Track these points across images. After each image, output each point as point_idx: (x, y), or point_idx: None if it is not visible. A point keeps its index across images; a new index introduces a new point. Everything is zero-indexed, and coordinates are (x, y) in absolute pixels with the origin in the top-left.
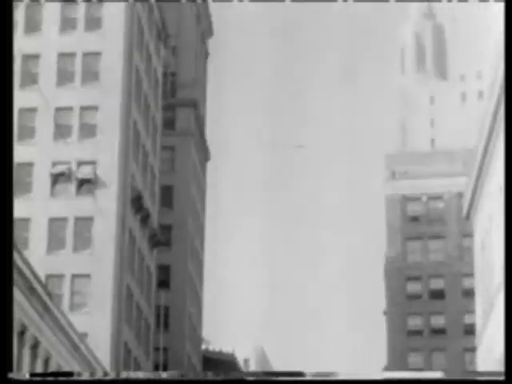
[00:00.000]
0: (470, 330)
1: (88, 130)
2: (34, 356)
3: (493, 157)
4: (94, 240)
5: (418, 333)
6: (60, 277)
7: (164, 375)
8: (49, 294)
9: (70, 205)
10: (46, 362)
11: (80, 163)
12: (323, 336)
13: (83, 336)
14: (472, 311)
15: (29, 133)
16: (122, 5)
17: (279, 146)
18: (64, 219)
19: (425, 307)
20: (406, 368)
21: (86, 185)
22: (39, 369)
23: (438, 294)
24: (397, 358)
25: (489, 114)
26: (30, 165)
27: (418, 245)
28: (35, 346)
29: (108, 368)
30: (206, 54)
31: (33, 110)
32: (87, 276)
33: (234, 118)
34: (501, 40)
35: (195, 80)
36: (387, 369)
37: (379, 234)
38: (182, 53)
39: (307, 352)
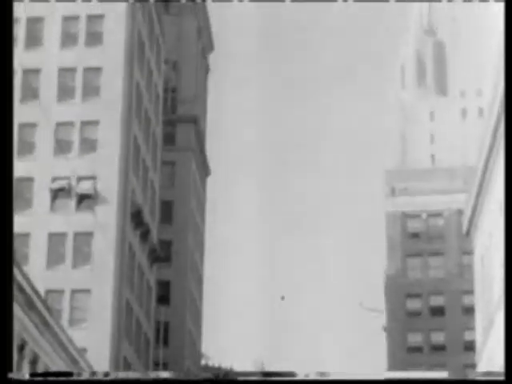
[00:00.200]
0: (470, 347)
1: (88, 145)
2: (33, 371)
3: (493, 174)
4: (93, 255)
5: (418, 349)
6: (60, 292)
7: (163, 375)
8: (48, 309)
9: (69, 220)
10: None
11: (80, 178)
12: (323, 352)
13: (82, 351)
14: (472, 328)
15: (29, 148)
16: (123, 20)
17: (279, 160)
18: (64, 234)
19: (425, 324)
20: None
21: (86, 200)
22: None
23: (438, 311)
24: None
25: (489, 131)
26: (30, 180)
27: (418, 261)
28: (34, 361)
29: None
30: (206, 70)
31: (33, 124)
32: (87, 291)
33: (234, 134)
34: (501, 57)
35: (196, 95)
36: None
37: (379, 251)
38: (182, 68)
39: (308, 367)
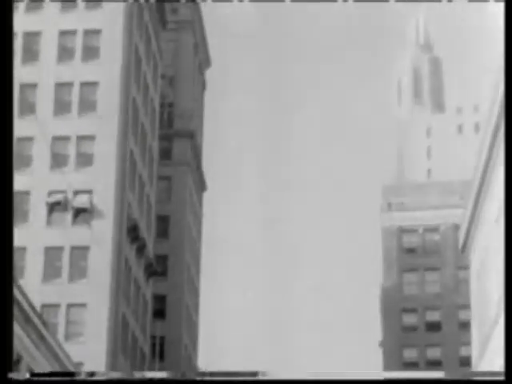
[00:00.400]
0: (466, 362)
1: (84, 160)
2: None
3: (489, 189)
4: (89, 269)
5: (413, 365)
6: (56, 306)
7: (162, 375)
8: (44, 324)
9: (66, 234)
10: None
11: (76, 192)
12: (320, 366)
13: (79, 365)
14: (468, 343)
15: (25, 161)
16: (120, 35)
17: (277, 175)
18: (60, 248)
19: (421, 339)
20: None
21: (82, 214)
22: None
23: (434, 326)
24: None
25: (485, 147)
26: (27, 193)
27: (414, 276)
28: None
29: None
30: (203, 85)
31: (30, 138)
32: (83, 305)
33: (231, 149)
34: (499, 72)
35: (192, 111)
36: None
37: (375, 265)
38: (179, 83)
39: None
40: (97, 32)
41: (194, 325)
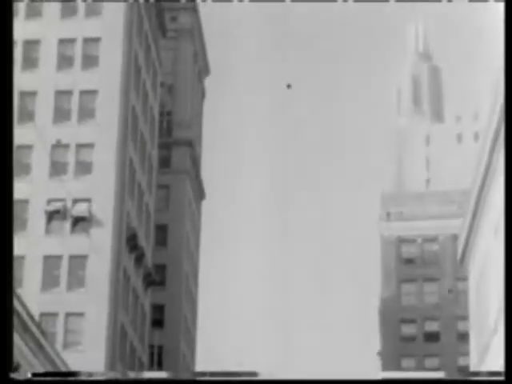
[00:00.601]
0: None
1: (84, 168)
2: None
3: (487, 199)
4: (88, 278)
5: None
6: (54, 315)
7: (162, 375)
8: (42, 332)
9: (64, 242)
10: None
11: (75, 201)
12: (318, 374)
13: None
14: (467, 354)
15: (24, 169)
16: (120, 43)
17: (275, 185)
18: (58, 257)
19: (419, 349)
20: None
21: (81, 222)
22: None
23: (432, 337)
24: None
25: (484, 156)
26: (25, 202)
27: (413, 287)
28: None
29: None
30: (202, 94)
31: (29, 146)
32: (81, 314)
33: (230, 158)
34: (498, 81)
35: (191, 119)
36: None
37: (374, 275)
38: (178, 92)
39: None
40: (96, 40)
41: (192, 334)
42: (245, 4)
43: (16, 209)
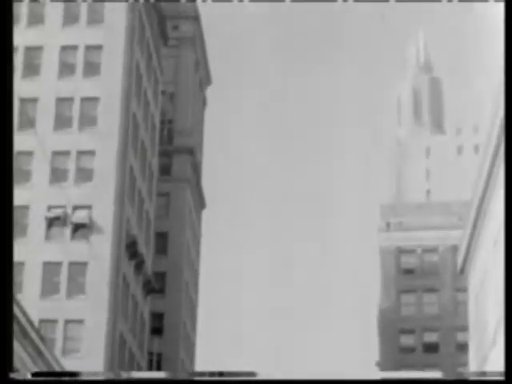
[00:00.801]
0: None
1: (84, 175)
2: None
3: (488, 210)
4: (87, 285)
5: None
6: (53, 322)
7: (160, 375)
8: (42, 339)
9: (64, 249)
10: None
11: (75, 207)
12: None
13: None
14: (466, 365)
15: (25, 176)
16: (121, 51)
17: (277, 193)
18: (58, 264)
19: (418, 360)
20: None
21: (81, 229)
22: None
23: (431, 348)
24: None
25: (484, 168)
26: (26, 208)
27: (412, 297)
28: None
29: None
30: (203, 102)
31: (29, 153)
32: (80, 321)
33: (231, 167)
34: (499, 93)
35: (192, 127)
36: None
37: (373, 286)
38: (179, 100)
39: None
40: (98, 48)
41: (192, 342)
42: (245, 10)
43: (16, 215)
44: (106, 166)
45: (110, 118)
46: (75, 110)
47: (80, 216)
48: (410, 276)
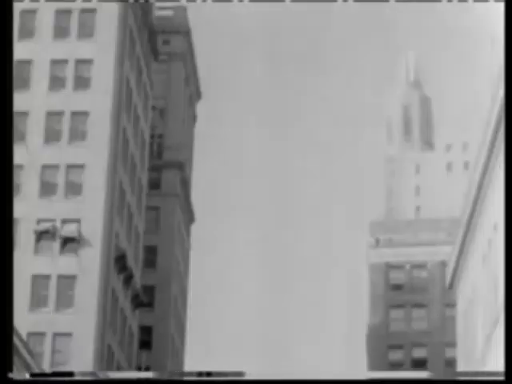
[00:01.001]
0: None
1: (73, 189)
2: None
3: (477, 227)
4: (76, 299)
5: None
6: (41, 335)
7: (152, 375)
8: (30, 352)
9: (53, 262)
10: None
11: (64, 221)
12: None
13: None
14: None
15: (15, 189)
16: (111, 65)
17: (265, 209)
18: (47, 277)
19: None
20: None
21: (70, 243)
22: None
23: (420, 363)
24: None
25: (474, 184)
26: (15, 221)
27: (401, 313)
28: None
29: None
30: (193, 117)
31: (19, 166)
32: (69, 335)
33: (220, 181)
34: (488, 111)
35: (182, 142)
36: None
37: (362, 301)
38: (169, 115)
39: None
40: (88, 62)
41: (180, 357)
42: (237, 24)
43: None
44: (95, 180)
45: (100, 132)
46: (65, 124)
47: (69, 230)
48: (399, 292)
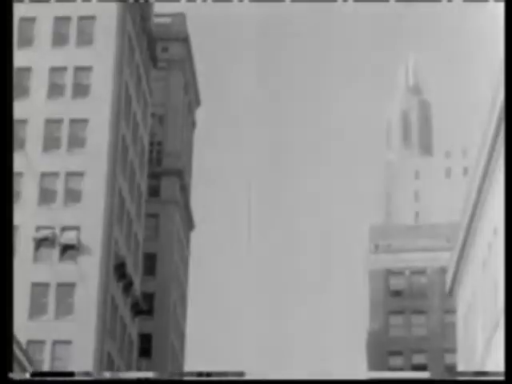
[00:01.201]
0: None
1: (73, 196)
2: None
3: (476, 233)
4: (75, 306)
5: None
6: (41, 343)
7: (153, 375)
8: (29, 360)
9: (52, 270)
10: None
11: (64, 228)
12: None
13: None
14: None
15: (14, 197)
16: (111, 73)
17: (264, 217)
18: (46, 284)
19: None
20: None
21: (70, 250)
22: None
23: (420, 369)
24: None
25: (473, 190)
26: (15, 229)
27: (401, 319)
28: None
29: None
30: (192, 124)
31: (19, 174)
32: (68, 342)
33: (219, 189)
34: (488, 116)
35: (181, 149)
36: None
37: (362, 307)
38: (168, 122)
39: None
40: (87, 69)
41: (180, 365)
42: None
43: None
44: (94, 187)
45: (99, 139)
46: (64, 132)
47: (68, 237)
48: (399, 298)
